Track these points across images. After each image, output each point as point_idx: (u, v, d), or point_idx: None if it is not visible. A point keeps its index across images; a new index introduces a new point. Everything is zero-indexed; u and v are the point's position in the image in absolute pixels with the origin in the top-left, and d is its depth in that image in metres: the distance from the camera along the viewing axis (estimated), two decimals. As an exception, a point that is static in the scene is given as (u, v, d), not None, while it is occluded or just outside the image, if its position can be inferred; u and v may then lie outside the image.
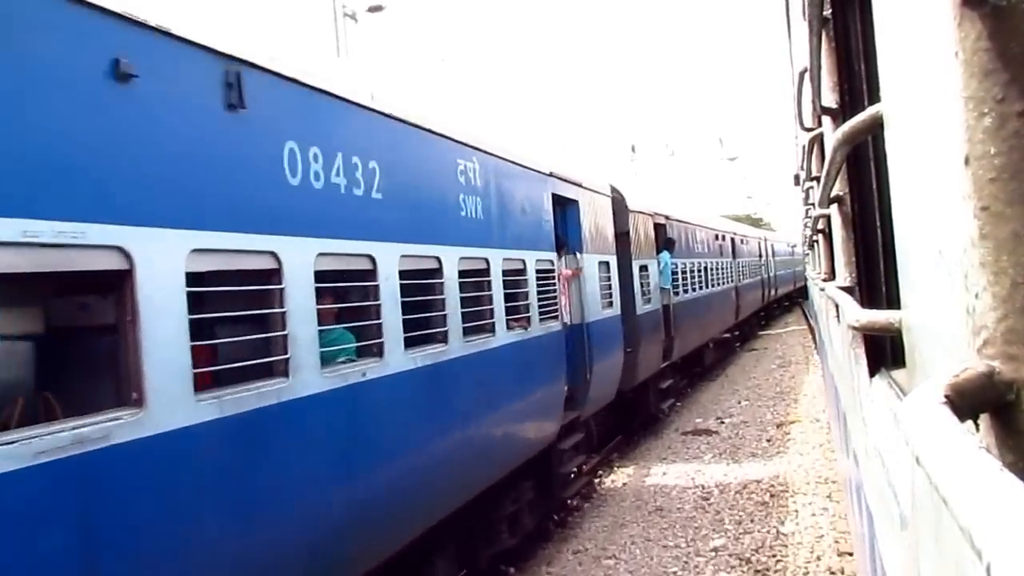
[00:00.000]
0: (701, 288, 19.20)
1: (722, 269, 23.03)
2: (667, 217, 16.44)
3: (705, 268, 19.98)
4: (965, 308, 0.68)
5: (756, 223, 46.21)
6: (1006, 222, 0.61)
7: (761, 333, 33.69)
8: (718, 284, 21.88)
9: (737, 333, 26.91)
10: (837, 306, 2.81)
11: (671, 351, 15.39)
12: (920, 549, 1.11)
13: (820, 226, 4.02)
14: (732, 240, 26.11)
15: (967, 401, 0.63)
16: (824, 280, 4.30)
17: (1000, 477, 0.47)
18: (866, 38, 2.25)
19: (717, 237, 23.20)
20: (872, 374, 2.19)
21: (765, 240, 36.86)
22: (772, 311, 39.51)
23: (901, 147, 1.11)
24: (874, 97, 1.78)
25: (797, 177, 11.93)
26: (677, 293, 16.17)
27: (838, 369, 4.30)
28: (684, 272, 17.39)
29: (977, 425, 0.69)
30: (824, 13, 2.31)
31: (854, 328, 1.83)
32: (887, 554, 1.78)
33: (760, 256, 33.38)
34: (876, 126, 1.43)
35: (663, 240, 15.72)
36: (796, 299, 48.87)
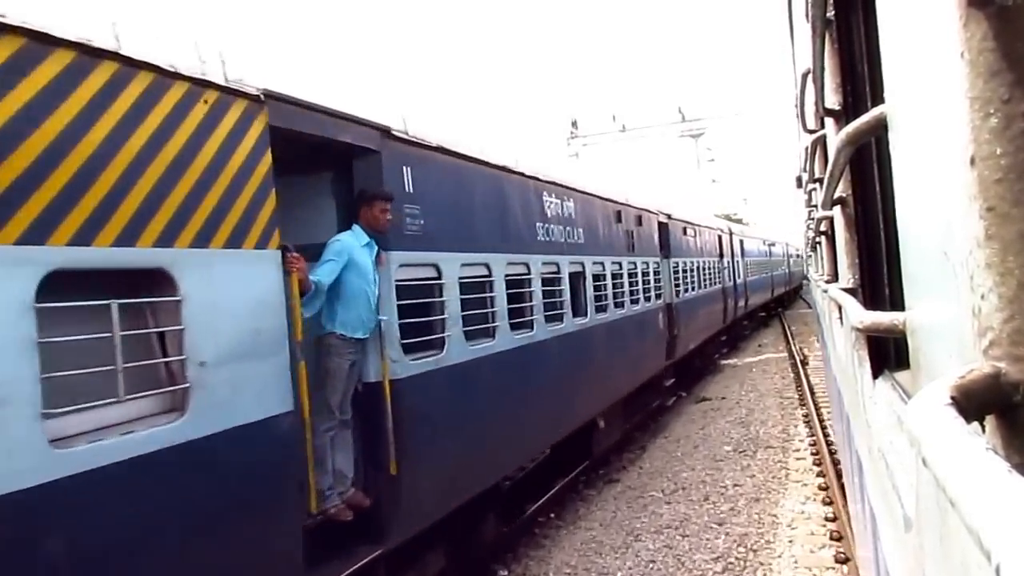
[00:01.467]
0: (557, 320, 8.64)
1: (630, 278, 12.15)
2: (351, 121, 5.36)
3: (557, 278, 8.83)
4: (971, 309, 0.68)
5: (738, 223, 39.12)
6: (1012, 223, 0.61)
7: (724, 363, 23.17)
8: (620, 305, 11.41)
9: (671, 384, 16.08)
10: (840, 307, 2.81)
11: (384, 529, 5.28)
12: (925, 551, 1.10)
13: (823, 228, 4.02)
14: (664, 227, 15.31)
15: (973, 402, 0.63)
16: (827, 282, 4.29)
17: (1008, 479, 0.47)
18: (869, 39, 2.25)
19: (619, 217, 11.93)
20: (876, 376, 2.19)
21: (730, 234, 25.75)
22: (741, 328, 28.84)
23: (905, 148, 1.11)
24: (878, 98, 1.78)
25: (799, 179, 11.92)
26: (420, 354, 5.95)
27: (841, 371, 4.30)
28: (438, 291, 6.28)
29: (983, 427, 0.69)
30: (827, 15, 2.31)
31: (857, 329, 1.83)
32: (891, 556, 1.78)
33: (720, 255, 23.13)
34: (880, 127, 1.43)
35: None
36: (775, 310, 40.39)
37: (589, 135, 43.59)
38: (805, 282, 64.62)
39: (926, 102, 0.86)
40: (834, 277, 3.50)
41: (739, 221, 42.16)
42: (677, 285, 16.13)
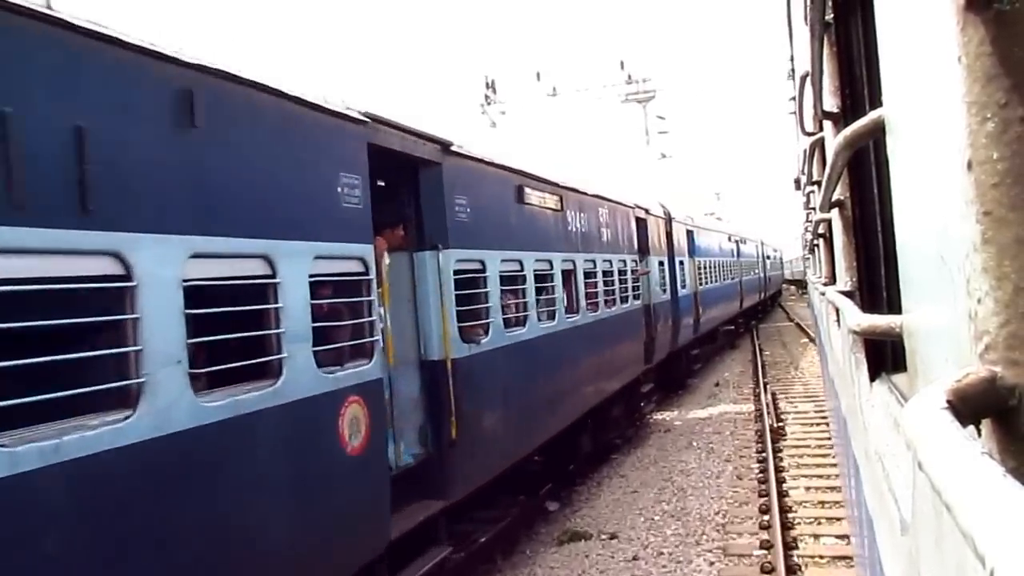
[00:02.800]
0: None
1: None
2: None
3: None
4: (967, 313, 0.68)
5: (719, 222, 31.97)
6: (1008, 227, 0.61)
7: (657, 418, 15.37)
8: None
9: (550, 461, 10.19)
10: (838, 310, 2.81)
11: None
12: (921, 554, 1.11)
13: (821, 230, 4.02)
14: (430, 175, 6.92)
15: (969, 406, 0.63)
16: (825, 284, 4.30)
17: (1003, 483, 0.47)
18: (868, 42, 2.25)
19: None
20: (873, 378, 2.19)
21: (667, 220, 17.68)
22: (689, 360, 20.03)
23: (903, 152, 1.11)
24: (876, 101, 1.79)
25: (798, 181, 11.96)
26: None
27: (839, 373, 4.31)
28: None
29: (979, 430, 0.69)
30: (826, 18, 2.31)
31: (855, 332, 1.83)
32: (887, 559, 1.78)
33: (641, 251, 14.69)
34: (878, 130, 1.43)
35: None
36: (748, 323, 32.93)
37: (510, 100, 33.71)
38: (785, 288, 58.24)
39: (924, 106, 0.86)
40: (832, 280, 3.50)
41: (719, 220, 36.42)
42: (481, 316, 7.58)
